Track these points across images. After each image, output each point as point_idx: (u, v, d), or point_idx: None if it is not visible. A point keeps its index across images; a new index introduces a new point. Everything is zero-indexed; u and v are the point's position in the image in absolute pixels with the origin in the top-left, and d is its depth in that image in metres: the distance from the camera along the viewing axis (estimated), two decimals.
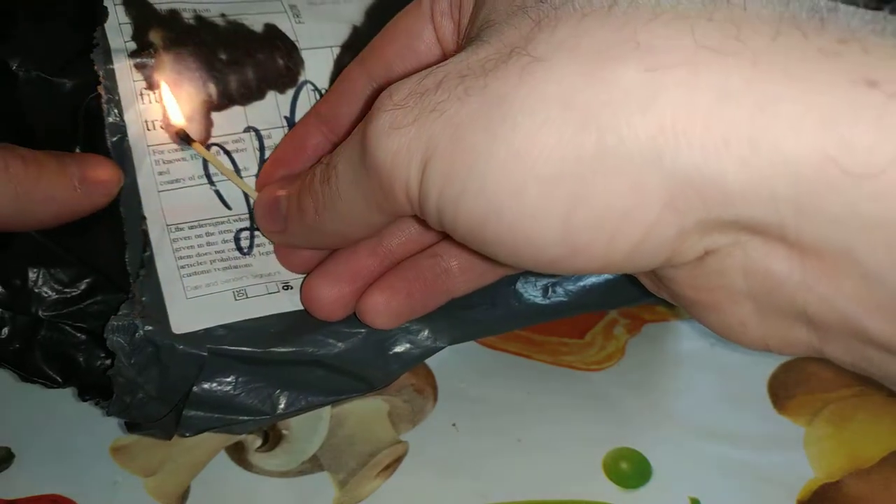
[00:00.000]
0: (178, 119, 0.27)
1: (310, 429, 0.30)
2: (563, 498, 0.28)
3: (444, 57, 0.24)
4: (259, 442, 0.30)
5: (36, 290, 0.28)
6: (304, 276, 0.28)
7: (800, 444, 0.30)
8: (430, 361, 0.32)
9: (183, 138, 0.27)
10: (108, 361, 0.27)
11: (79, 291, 0.28)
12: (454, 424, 0.31)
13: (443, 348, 0.29)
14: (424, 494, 0.28)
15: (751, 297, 0.19)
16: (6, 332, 0.28)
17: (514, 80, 0.18)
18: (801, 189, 0.16)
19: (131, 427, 0.28)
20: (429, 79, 0.20)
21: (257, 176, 0.29)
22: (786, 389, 0.32)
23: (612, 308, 0.35)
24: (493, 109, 0.18)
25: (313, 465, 0.29)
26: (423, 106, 0.19)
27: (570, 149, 0.17)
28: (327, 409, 0.31)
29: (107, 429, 0.30)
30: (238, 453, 0.30)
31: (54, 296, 0.28)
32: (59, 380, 0.28)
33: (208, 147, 0.28)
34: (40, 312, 0.28)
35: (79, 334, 0.28)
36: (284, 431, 0.30)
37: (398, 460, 0.29)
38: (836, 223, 0.16)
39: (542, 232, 0.18)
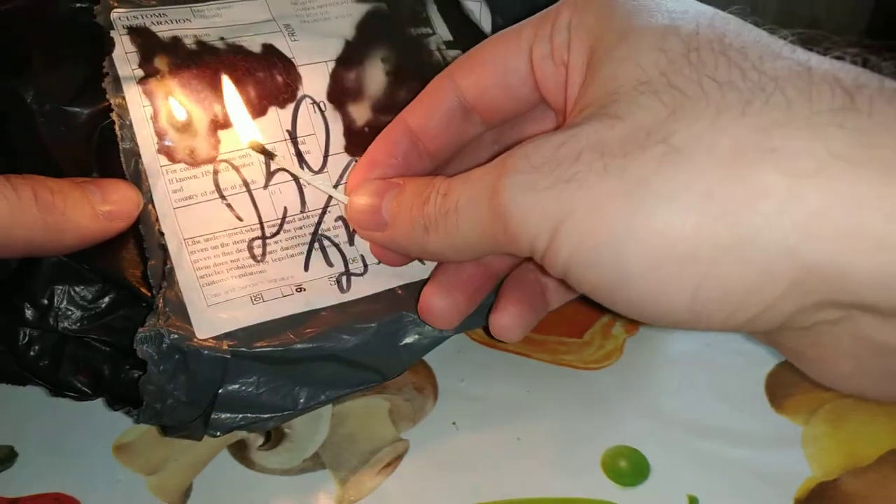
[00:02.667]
0: (256, 135, 0.29)
1: (311, 427, 0.30)
2: (562, 495, 0.28)
3: (537, 91, 0.26)
4: (261, 440, 0.30)
5: (62, 308, 0.29)
6: (316, 278, 0.29)
7: (797, 443, 0.30)
8: (431, 360, 0.33)
9: (264, 152, 0.29)
10: (135, 373, 0.29)
11: (102, 307, 0.29)
12: (454, 423, 0.31)
13: (450, 337, 0.30)
14: (425, 492, 0.28)
15: (855, 357, 0.21)
16: (36, 349, 0.29)
17: (654, 166, 0.19)
18: None
19: (165, 430, 0.28)
20: (566, 148, 0.21)
21: (264, 187, 0.29)
22: (783, 388, 0.32)
23: None
24: (633, 190, 0.20)
25: (315, 462, 0.29)
26: (561, 174, 0.21)
27: (707, 234, 0.19)
28: (328, 407, 0.31)
29: (109, 428, 0.30)
30: (240, 451, 0.30)
31: (79, 312, 0.29)
32: (89, 392, 0.29)
33: (217, 163, 0.29)
34: (66, 329, 0.29)
35: (104, 347, 0.29)
36: (286, 430, 0.30)
37: (399, 458, 0.30)
38: None
39: (670, 303, 0.20)
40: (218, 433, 0.28)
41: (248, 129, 0.29)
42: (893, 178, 0.18)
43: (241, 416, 0.28)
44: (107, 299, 0.29)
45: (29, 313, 0.28)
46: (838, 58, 0.20)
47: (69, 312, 0.29)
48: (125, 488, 0.28)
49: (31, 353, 0.29)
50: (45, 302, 0.28)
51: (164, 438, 0.30)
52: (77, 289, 0.29)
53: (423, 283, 0.29)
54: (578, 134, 0.21)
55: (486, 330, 0.29)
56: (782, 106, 0.19)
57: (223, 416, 0.28)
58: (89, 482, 0.28)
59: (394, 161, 0.28)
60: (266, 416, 0.28)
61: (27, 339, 0.29)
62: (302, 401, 0.29)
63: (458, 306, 0.28)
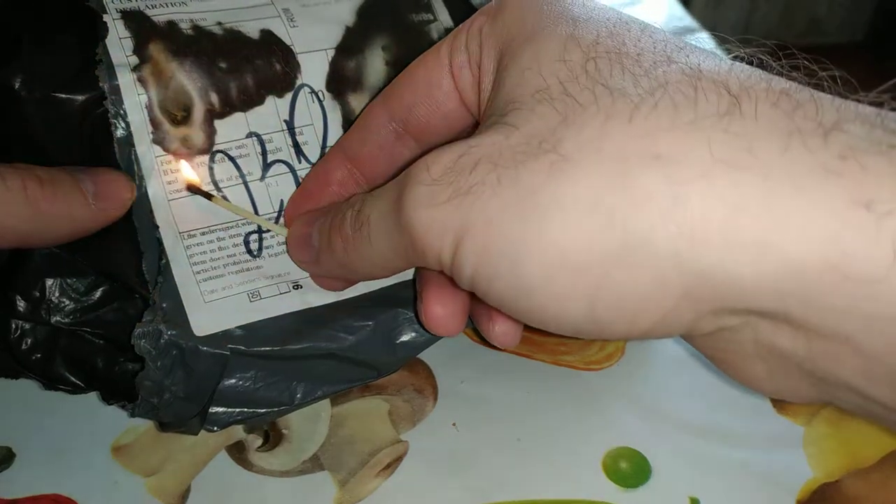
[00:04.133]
0: (190, 175, 0.28)
1: (310, 428, 0.30)
2: (563, 497, 0.28)
3: (463, 105, 0.26)
4: (260, 441, 0.30)
5: (54, 301, 0.29)
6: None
7: (799, 444, 0.30)
8: (430, 361, 0.33)
9: (196, 192, 0.28)
10: (129, 366, 0.28)
11: (95, 299, 0.29)
12: (454, 424, 0.31)
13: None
14: (424, 493, 0.28)
15: (762, 360, 0.21)
16: (29, 342, 0.28)
17: (544, 176, 0.20)
18: (806, 287, 0.18)
19: (162, 426, 0.28)
20: (464, 159, 0.21)
21: (261, 179, 0.29)
22: None
23: None
24: (525, 201, 0.20)
25: (314, 464, 0.29)
26: (459, 186, 0.21)
27: (596, 244, 0.19)
28: (328, 408, 0.31)
29: (107, 428, 0.30)
30: (239, 452, 0.30)
31: (71, 305, 0.29)
32: (83, 385, 0.29)
33: (213, 154, 0.29)
34: (59, 321, 0.28)
35: (97, 340, 0.29)
36: (285, 431, 0.30)
37: (398, 459, 0.29)
38: (838, 316, 0.18)
39: (569, 313, 0.20)
40: (215, 428, 0.28)
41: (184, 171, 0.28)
42: (774, 184, 0.18)
43: (238, 410, 0.28)
44: (99, 291, 0.29)
45: (21, 305, 0.28)
46: (735, 58, 0.21)
47: (61, 304, 0.28)
48: (123, 489, 0.28)
49: (24, 345, 0.28)
50: (37, 294, 0.28)
51: (162, 440, 0.30)
52: (69, 281, 0.29)
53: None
54: (477, 144, 0.21)
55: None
56: (669, 111, 0.19)
57: (220, 410, 0.28)
58: (87, 483, 0.28)
59: (329, 189, 0.29)
60: (263, 410, 0.28)
61: (19, 331, 0.28)
62: (299, 396, 0.29)
63: (456, 311, 0.28)
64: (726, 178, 0.18)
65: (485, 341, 0.34)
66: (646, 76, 0.20)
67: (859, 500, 0.28)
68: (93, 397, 0.30)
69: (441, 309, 0.27)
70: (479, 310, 0.28)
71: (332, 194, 0.29)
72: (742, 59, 0.21)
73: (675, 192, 0.18)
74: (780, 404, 0.32)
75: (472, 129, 0.24)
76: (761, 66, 0.21)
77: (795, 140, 0.18)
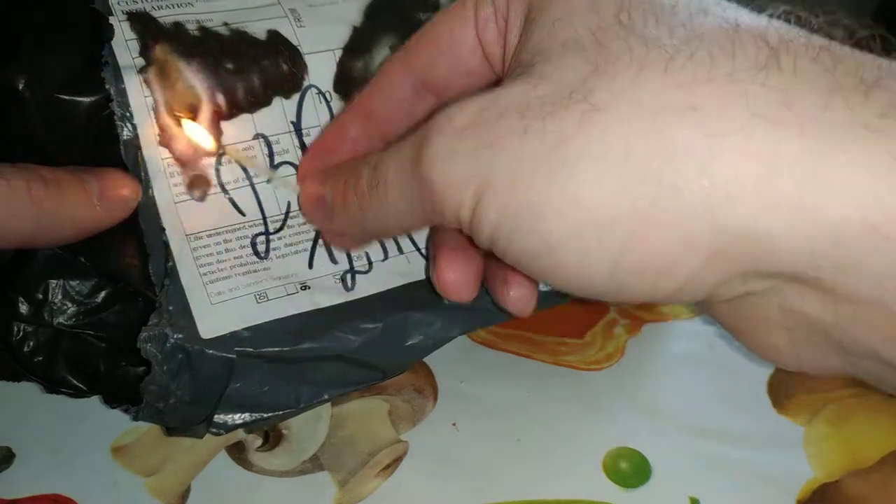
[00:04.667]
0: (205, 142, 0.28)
1: (310, 428, 0.30)
2: (563, 497, 0.28)
3: (487, 61, 0.25)
4: (259, 441, 0.30)
5: (57, 303, 0.28)
6: (321, 276, 0.29)
7: (799, 444, 0.30)
8: (431, 361, 0.33)
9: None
10: (132, 369, 0.28)
11: (98, 302, 0.29)
12: (454, 424, 0.31)
13: (455, 337, 0.30)
14: (424, 493, 0.28)
15: (786, 329, 0.20)
16: (31, 344, 0.28)
17: (573, 126, 0.19)
18: (842, 249, 0.17)
19: (169, 430, 0.28)
20: (489, 111, 0.20)
21: (268, 181, 0.29)
22: (785, 389, 0.32)
23: None
24: (552, 153, 0.19)
25: (314, 464, 0.29)
26: (482, 138, 0.20)
27: (626, 198, 0.18)
28: (328, 408, 0.31)
29: (107, 428, 0.30)
30: (238, 453, 0.30)
31: (74, 307, 0.29)
32: (85, 388, 0.29)
33: (219, 156, 0.28)
34: (61, 324, 0.28)
35: (100, 343, 0.29)
36: (284, 431, 0.30)
37: (398, 459, 0.29)
38: (873, 279, 0.17)
39: (592, 271, 0.19)
40: (221, 432, 0.28)
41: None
42: (813, 141, 0.17)
43: (243, 414, 0.28)
44: (102, 294, 0.29)
45: (23, 308, 0.28)
46: (771, 16, 0.20)
47: (64, 307, 0.28)
48: (123, 489, 0.28)
49: (26, 348, 0.28)
50: (40, 296, 0.28)
51: (162, 440, 0.30)
52: (72, 283, 0.28)
53: (428, 280, 0.29)
54: (502, 95, 0.20)
55: (497, 305, 0.29)
56: (705, 63, 0.18)
57: (226, 414, 0.28)
58: (87, 483, 0.28)
59: (344, 147, 0.28)
60: (268, 414, 0.28)
61: (21, 333, 0.28)
62: (304, 399, 0.28)
63: (469, 276, 0.27)
64: (763, 134, 0.17)
65: (485, 341, 0.34)
66: (681, 27, 0.19)
67: (859, 500, 0.28)
68: (93, 398, 0.30)
69: (454, 274, 0.26)
70: (493, 273, 0.27)
71: (347, 152, 0.28)
72: (779, 17, 0.20)
73: (710, 146, 0.17)
74: (780, 404, 0.32)
75: (495, 87, 0.23)
76: (799, 23, 0.20)
77: (836, 96, 0.17)
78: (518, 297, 0.27)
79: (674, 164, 0.18)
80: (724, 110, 0.18)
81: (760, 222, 0.17)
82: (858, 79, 0.17)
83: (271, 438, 0.30)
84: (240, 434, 0.30)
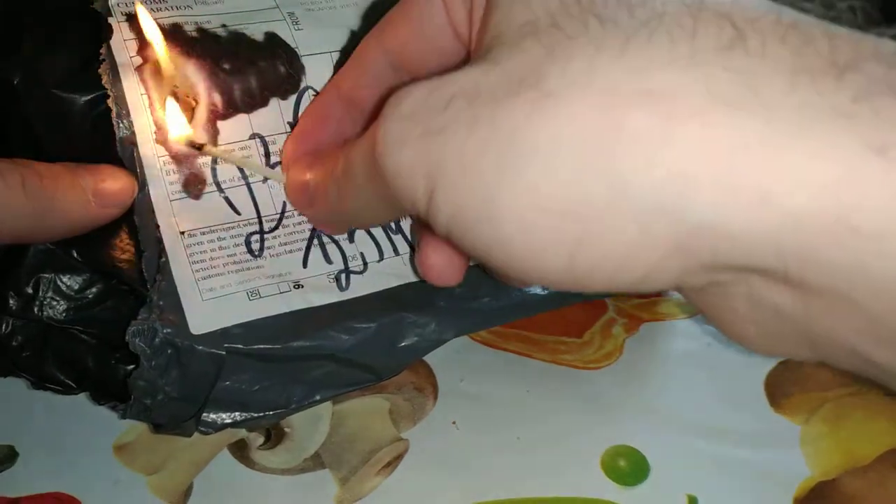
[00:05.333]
0: (185, 129, 0.28)
1: (311, 427, 0.30)
2: (562, 495, 0.28)
3: (457, 40, 0.24)
4: (261, 440, 0.30)
5: (47, 298, 0.28)
6: (315, 276, 0.29)
7: (796, 443, 0.30)
8: (431, 360, 0.33)
9: (194, 147, 0.28)
10: (121, 367, 0.28)
11: (89, 298, 0.29)
12: (454, 422, 0.31)
13: (449, 340, 0.30)
14: (424, 491, 0.28)
15: (754, 320, 0.19)
16: (19, 339, 0.28)
17: (523, 116, 0.18)
18: (807, 242, 0.16)
19: (156, 427, 0.28)
20: (437, 94, 0.19)
21: (263, 180, 0.29)
22: (782, 388, 0.32)
23: (611, 295, 0.35)
24: (503, 144, 0.18)
25: (315, 462, 0.29)
26: (430, 124, 0.19)
27: (579, 189, 0.17)
28: (329, 407, 0.31)
29: (109, 427, 0.30)
30: (240, 451, 0.30)
31: (65, 303, 0.29)
32: (73, 385, 0.29)
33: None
34: (51, 318, 0.28)
35: (90, 340, 0.29)
36: (286, 429, 0.30)
37: (399, 458, 0.30)
38: (841, 274, 0.16)
39: (548, 263, 0.19)
40: (210, 431, 0.28)
41: (178, 125, 0.27)
42: (776, 126, 0.16)
43: (233, 413, 0.28)
44: (94, 290, 0.29)
45: (12, 302, 0.28)
46: None
47: (54, 302, 0.28)
48: (125, 488, 0.28)
49: (14, 343, 0.28)
50: (30, 291, 0.28)
51: (164, 438, 0.30)
52: (64, 278, 0.28)
53: (424, 282, 0.29)
54: (452, 80, 0.19)
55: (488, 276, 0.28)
56: (664, 44, 0.17)
57: (215, 413, 0.28)
58: (90, 482, 0.28)
59: (326, 129, 0.27)
60: (258, 414, 0.28)
61: (10, 328, 0.28)
62: (296, 399, 0.28)
63: (454, 260, 0.26)
64: (723, 119, 0.16)
65: (485, 340, 0.34)
66: (642, 6, 0.18)
67: (856, 498, 0.29)
68: None
69: (437, 258, 0.26)
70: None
71: (330, 134, 0.27)
72: None
73: (666, 133, 0.16)
74: (777, 403, 0.32)
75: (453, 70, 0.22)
76: None
77: (804, 79, 0.16)
78: (433, 265, 0.26)
79: (627, 153, 0.17)
80: (682, 94, 0.17)
81: (720, 214, 0.16)
82: (830, 61, 0.16)
83: (273, 436, 0.30)
84: (241, 432, 0.30)
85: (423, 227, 0.26)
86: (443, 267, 0.26)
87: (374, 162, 0.21)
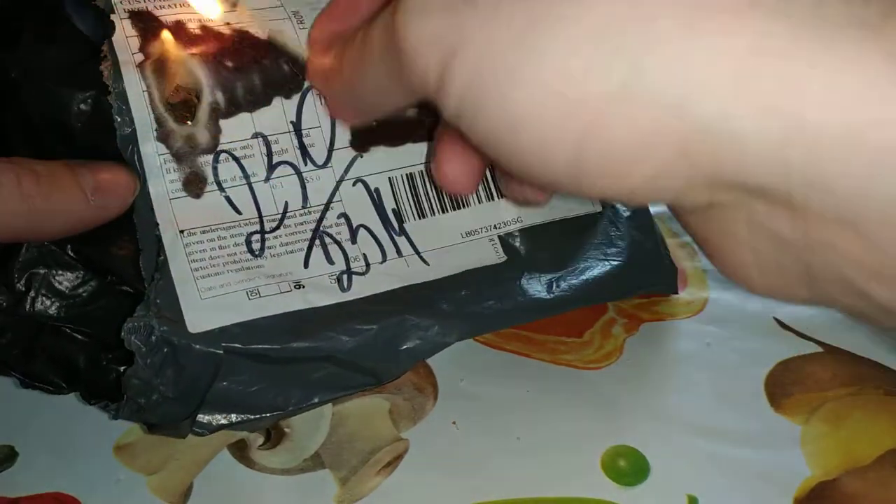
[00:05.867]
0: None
1: (311, 427, 0.30)
2: (562, 495, 0.28)
3: None
4: (261, 440, 0.30)
5: (40, 295, 0.28)
6: (316, 276, 0.29)
7: (796, 443, 0.30)
8: (431, 360, 0.33)
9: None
10: (113, 367, 0.28)
11: (83, 296, 0.28)
12: (454, 422, 0.31)
13: (451, 343, 0.30)
14: (425, 491, 0.28)
15: (754, 248, 0.19)
16: (9, 336, 0.28)
17: None
18: (817, 158, 0.16)
19: (150, 427, 0.28)
20: None
21: (265, 180, 0.29)
22: (782, 388, 0.32)
23: (613, 300, 0.35)
24: (531, 20, 0.18)
25: (315, 462, 0.29)
26: None
27: (596, 79, 0.17)
28: (329, 407, 0.31)
29: (110, 427, 0.30)
30: (240, 451, 0.30)
31: (58, 300, 0.28)
32: (63, 385, 0.28)
33: (217, 154, 0.28)
34: (43, 315, 0.28)
35: (81, 338, 0.29)
36: (286, 429, 0.30)
37: (399, 458, 0.30)
38: (847, 197, 0.16)
39: (554, 152, 0.18)
40: (205, 432, 0.27)
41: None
42: (800, 34, 0.16)
43: (229, 415, 0.27)
44: (88, 288, 0.28)
45: (3, 298, 0.28)
46: None
47: (47, 300, 0.28)
48: (126, 488, 0.28)
49: (3, 340, 0.28)
50: (22, 287, 0.28)
51: (165, 438, 0.30)
52: (57, 276, 0.28)
53: (428, 284, 0.29)
54: None
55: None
56: None
57: (210, 414, 0.27)
58: (90, 482, 0.28)
59: (357, 13, 0.26)
60: (255, 416, 0.28)
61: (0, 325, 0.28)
62: (294, 402, 0.28)
63: (470, 166, 0.26)
64: (748, 23, 0.16)
65: (485, 340, 0.34)
66: None
67: (857, 498, 0.29)
68: None
69: (454, 165, 0.25)
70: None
71: (360, 19, 0.26)
72: None
73: (691, 31, 0.16)
74: (778, 403, 0.32)
75: None
76: None
77: None
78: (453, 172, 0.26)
79: (648, 47, 0.17)
80: None
81: (731, 121, 0.16)
82: None
83: (273, 436, 0.30)
84: (242, 432, 0.30)
85: (441, 134, 0.26)
86: (458, 173, 0.25)
87: (393, 33, 0.20)
